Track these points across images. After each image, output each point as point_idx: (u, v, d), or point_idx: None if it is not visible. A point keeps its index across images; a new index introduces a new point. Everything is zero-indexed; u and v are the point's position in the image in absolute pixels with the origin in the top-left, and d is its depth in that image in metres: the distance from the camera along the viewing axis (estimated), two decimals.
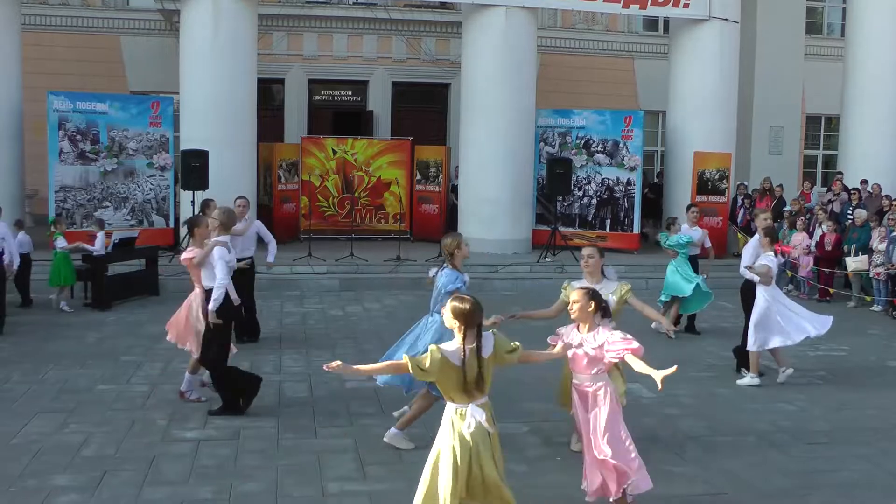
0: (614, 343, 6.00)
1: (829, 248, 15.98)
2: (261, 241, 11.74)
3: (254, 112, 17.86)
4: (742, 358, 10.30)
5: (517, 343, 5.63)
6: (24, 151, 17.83)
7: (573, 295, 6.28)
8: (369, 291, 15.44)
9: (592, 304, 6.08)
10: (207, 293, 8.29)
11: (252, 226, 11.65)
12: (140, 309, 13.68)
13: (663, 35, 23.74)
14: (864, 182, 18.58)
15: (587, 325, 6.13)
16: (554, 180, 18.32)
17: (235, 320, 8.83)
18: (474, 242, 18.21)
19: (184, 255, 8.63)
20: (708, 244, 13.05)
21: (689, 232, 12.85)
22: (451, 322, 5.27)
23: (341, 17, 23.34)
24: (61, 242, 13.48)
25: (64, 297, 13.49)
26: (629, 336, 6.05)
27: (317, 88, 24.16)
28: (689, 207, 13.61)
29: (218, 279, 8.17)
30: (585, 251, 7.90)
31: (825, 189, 22.15)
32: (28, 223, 16.92)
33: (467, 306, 5.22)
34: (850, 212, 17.05)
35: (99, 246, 13.77)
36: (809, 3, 25.11)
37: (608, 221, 19.44)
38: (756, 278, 9.81)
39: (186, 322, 8.69)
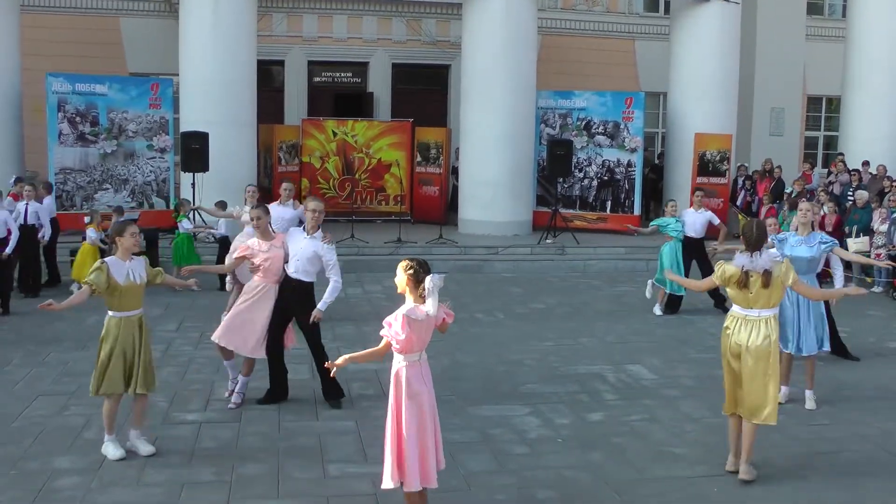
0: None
1: (829, 229, 15.94)
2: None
3: (254, 94, 17.79)
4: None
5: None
6: (24, 133, 17.79)
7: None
8: (370, 273, 15.44)
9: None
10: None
11: (297, 211, 11.76)
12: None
13: (664, 16, 23.64)
14: (866, 163, 18.54)
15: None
16: (554, 162, 18.29)
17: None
18: (474, 224, 18.33)
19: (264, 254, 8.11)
20: (716, 221, 13.01)
21: (696, 216, 12.80)
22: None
23: None
24: (186, 224, 14.26)
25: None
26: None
27: (317, 70, 24.06)
28: (693, 191, 13.48)
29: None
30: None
31: (826, 171, 22.10)
32: None
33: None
34: (850, 193, 17.03)
35: (224, 229, 14.23)
36: None
37: (609, 203, 19.42)
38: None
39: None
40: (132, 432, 6.97)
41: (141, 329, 6.86)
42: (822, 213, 16.33)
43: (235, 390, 8.23)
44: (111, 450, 6.81)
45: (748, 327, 6.53)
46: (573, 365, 9.89)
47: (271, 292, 8.13)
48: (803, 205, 8.87)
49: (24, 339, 10.56)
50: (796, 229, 9.12)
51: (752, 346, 6.46)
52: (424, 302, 5.38)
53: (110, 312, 6.78)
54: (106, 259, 6.75)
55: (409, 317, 5.36)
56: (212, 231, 14.45)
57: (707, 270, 12.12)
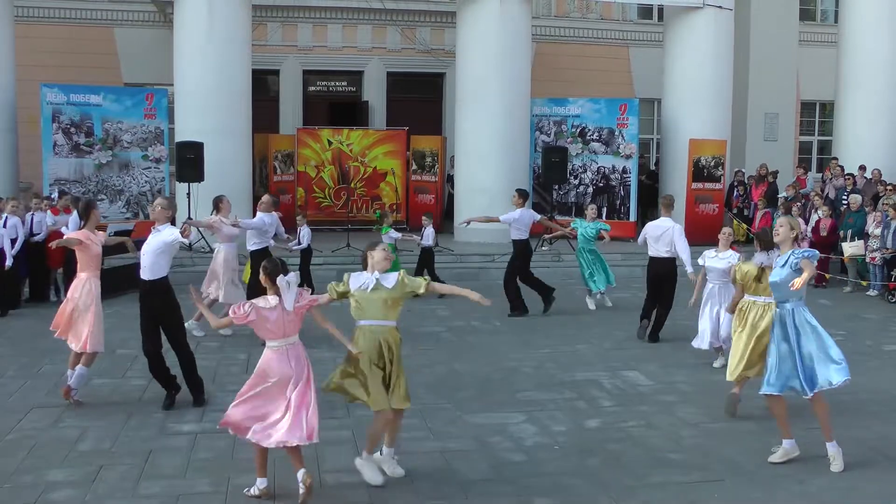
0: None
1: (824, 233, 15.97)
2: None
3: (249, 103, 17.80)
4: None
5: None
6: (18, 144, 17.77)
7: None
8: None
9: None
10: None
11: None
12: (134, 302, 13.48)
13: (658, 23, 23.68)
14: (863, 168, 18.52)
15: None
16: (550, 169, 18.30)
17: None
18: (470, 232, 18.25)
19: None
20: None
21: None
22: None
23: (336, 8, 23.24)
24: (393, 234, 14.52)
25: None
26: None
27: (312, 79, 24.08)
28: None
29: None
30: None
31: (820, 175, 22.13)
32: None
33: None
34: (845, 197, 17.05)
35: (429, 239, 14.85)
36: None
37: (604, 209, 19.42)
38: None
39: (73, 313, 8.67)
40: (386, 450, 6.72)
41: (391, 342, 6.52)
42: (816, 218, 16.36)
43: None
44: (372, 474, 6.48)
45: (756, 309, 8.10)
46: (570, 371, 9.87)
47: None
48: (779, 220, 7.58)
49: (19, 351, 10.52)
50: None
51: (758, 323, 8.01)
52: (280, 296, 6.21)
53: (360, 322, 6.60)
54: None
55: (256, 304, 6.23)
56: (416, 238, 14.93)
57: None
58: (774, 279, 7.09)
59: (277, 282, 6.21)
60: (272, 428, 6.19)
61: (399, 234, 14.61)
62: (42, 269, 13.72)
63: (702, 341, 10.13)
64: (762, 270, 8.00)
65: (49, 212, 13.82)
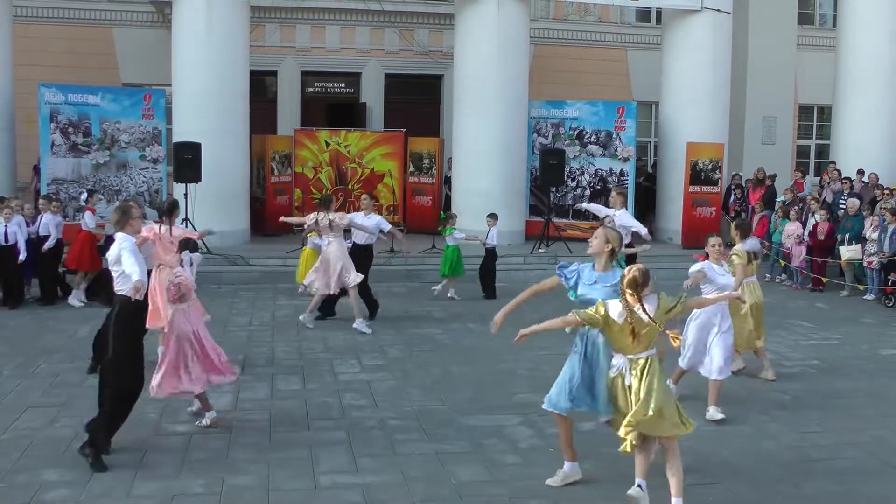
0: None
1: (821, 237, 15.99)
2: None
3: (246, 104, 17.79)
4: None
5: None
6: (16, 144, 17.75)
7: None
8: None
9: None
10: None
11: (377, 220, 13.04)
12: None
13: (656, 26, 23.70)
14: (861, 172, 18.53)
15: None
16: (547, 171, 18.30)
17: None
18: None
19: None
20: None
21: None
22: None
23: (334, 9, 23.24)
24: (459, 234, 14.56)
25: (451, 287, 14.64)
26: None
27: (310, 80, 24.07)
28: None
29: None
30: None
31: (818, 179, 22.14)
32: None
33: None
34: (842, 201, 17.07)
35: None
36: None
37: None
38: None
39: None
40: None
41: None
42: (813, 222, 16.36)
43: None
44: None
45: (749, 287, 9.79)
46: None
47: None
48: (596, 231, 6.68)
49: (15, 351, 10.50)
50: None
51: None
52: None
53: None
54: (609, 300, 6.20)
55: (185, 274, 7.93)
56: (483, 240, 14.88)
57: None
58: (597, 297, 6.31)
59: (182, 255, 7.99)
60: (184, 374, 7.68)
61: (463, 235, 14.61)
62: (49, 271, 13.66)
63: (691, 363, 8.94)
64: (754, 255, 9.94)
65: (87, 212, 13.91)
